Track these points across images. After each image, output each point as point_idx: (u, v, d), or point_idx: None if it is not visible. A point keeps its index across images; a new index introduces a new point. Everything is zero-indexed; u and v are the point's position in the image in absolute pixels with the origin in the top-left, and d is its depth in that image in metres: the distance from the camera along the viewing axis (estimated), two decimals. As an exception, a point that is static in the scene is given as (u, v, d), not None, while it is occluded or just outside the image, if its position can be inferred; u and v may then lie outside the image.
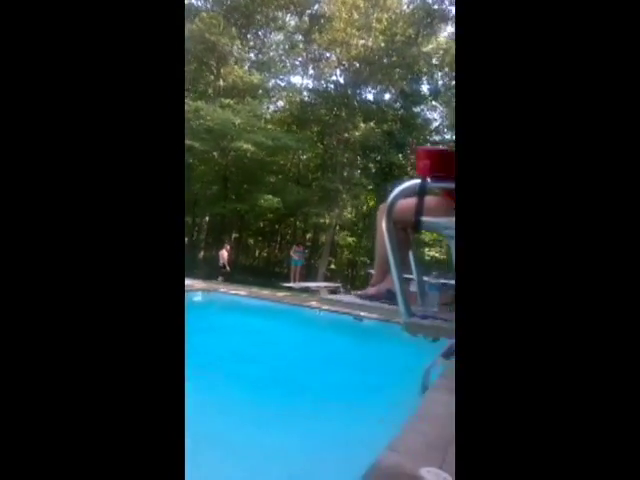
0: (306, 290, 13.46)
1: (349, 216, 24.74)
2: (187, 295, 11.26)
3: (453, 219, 1.89)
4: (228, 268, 13.23)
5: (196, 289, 12.11)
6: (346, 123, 19.78)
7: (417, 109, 22.52)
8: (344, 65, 21.07)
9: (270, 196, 17.50)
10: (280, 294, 12.64)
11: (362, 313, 10.21)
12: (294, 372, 5.63)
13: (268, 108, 22.18)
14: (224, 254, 13.24)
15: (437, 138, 21.82)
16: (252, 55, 21.04)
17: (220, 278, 13.08)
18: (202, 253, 21.41)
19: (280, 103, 23.17)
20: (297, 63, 22.33)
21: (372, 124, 20.63)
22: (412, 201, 2.13)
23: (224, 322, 8.86)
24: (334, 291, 13.16)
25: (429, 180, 1.69)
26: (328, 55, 21.11)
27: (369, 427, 3.59)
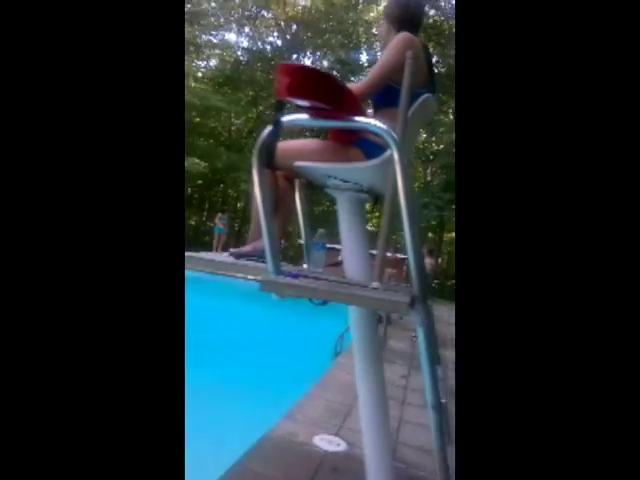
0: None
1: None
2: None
3: (339, 166, 1.65)
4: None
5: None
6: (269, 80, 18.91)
7: (355, 79, 22.21)
8: (281, 25, 20.05)
9: (197, 160, 16.42)
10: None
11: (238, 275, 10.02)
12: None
13: (197, 65, 20.51)
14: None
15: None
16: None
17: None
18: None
19: (212, 62, 21.55)
20: (231, 19, 20.76)
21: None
22: (296, 143, 1.84)
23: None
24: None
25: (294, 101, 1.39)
26: (265, 13, 19.90)
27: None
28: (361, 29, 20.59)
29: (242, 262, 1.85)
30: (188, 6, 18.97)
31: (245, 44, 21.34)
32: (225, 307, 7.84)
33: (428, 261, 11.59)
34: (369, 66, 21.53)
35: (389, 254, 12.50)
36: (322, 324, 5.42)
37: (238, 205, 25.18)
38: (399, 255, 11.84)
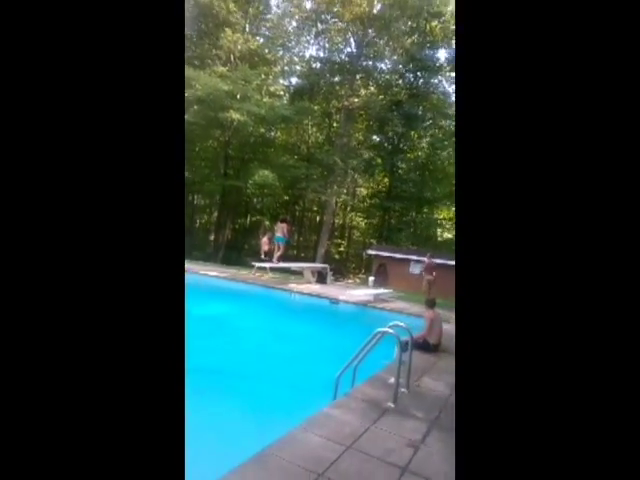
0: (287, 271, 12.43)
1: (364, 192, 23.42)
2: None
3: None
4: (264, 256, 11.94)
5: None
6: (345, 89, 18.21)
7: (434, 80, 20.73)
8: (350, 29, 19.46)
9: (266, 172, 16.38)
10: (258, 275, 11.65)
11: (341, 297, 9.16)
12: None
13: (267, 77, 20.76)
14: (265, 242, 12.06)
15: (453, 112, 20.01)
16: (250, 21, 19.59)
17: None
18: (222, 237, 20.35)
19: (277, 69, 21.63)
20: (295, 24, 20.67)
21: (372, 89, 19.06)
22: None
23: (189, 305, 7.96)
24: (321, 273, 12.07)
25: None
26: (327, 17, 19.47)
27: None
28: (438, 25, 19.18)
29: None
30: (254, 20, 19.35)
31: (313, 52, 21.14)
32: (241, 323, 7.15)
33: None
34: (448, 66, 19.97)
35: (426, 259, 11.33)
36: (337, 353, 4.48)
37: (308, 215, 24.97)
38: (435, 260, 10.92)
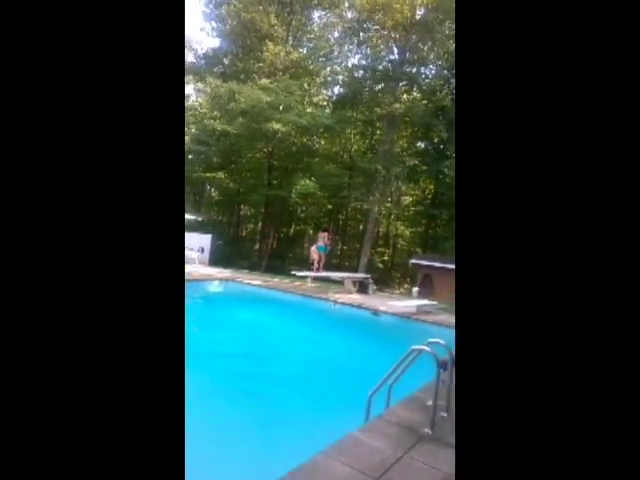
0: (327, 280, 12.26)
1: (409, 200, 22.90)
2: (204, 284, 10.73)
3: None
4: (317, 265, 12.02)
5: (215, 278, 11.55)
6: (388, 97, 17.90)
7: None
8: (393, 36, 19.21)
9: (307, 181, 16.44)
10: (298, 284, 11.60)
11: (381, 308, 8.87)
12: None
13: (310, 87, 20.92)
14: (314, 251, 11.98)
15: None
16: (292, 33, 19.90)
17: (309, 278, 11.70)
18: (265, 246, 20.68)
19: (320, 80, 21.71)
20: (337, 34, 20.70)
21: (416, 94, 18.60)
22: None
23: (229, 313, 8.08)
24: (363, 283, 11.81)
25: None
26: (371, 26, 19.33)
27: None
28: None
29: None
30: (296, 33, 19.60)
31: (355, 61, 21.05)
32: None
33: None
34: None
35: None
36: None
37: (351, 223, 24.73)
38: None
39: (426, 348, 3.03)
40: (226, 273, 12.79)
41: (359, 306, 9.17)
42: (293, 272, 11.48)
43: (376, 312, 8.72)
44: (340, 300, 9.61)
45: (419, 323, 7.91)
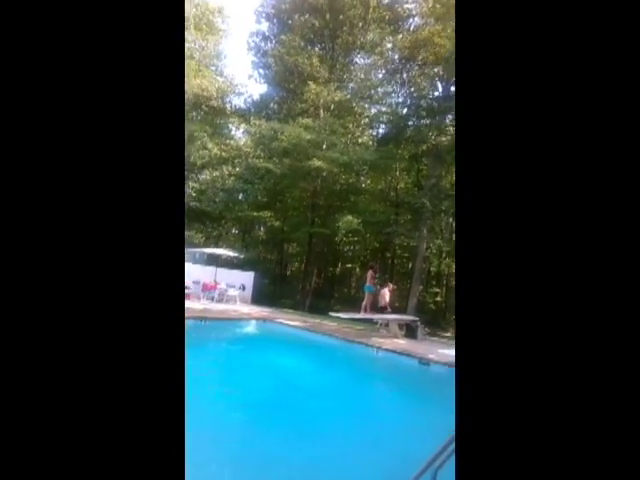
0: (370, 321, 11.32)
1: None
2: (238, 323, 10.28)
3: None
4: (389, 309, 11.12)
5: (251, 317, 11.08)
6: (433, 130, 17.25)
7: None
8: (437, 72, 18.88)
9: (350, 217, 15.93)
10: (339, 326, 10.79)
11: (431, 355, 7.83)
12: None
13: (355, 127, 20.86)
14: (385, 294, 11.31)
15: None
16: (335, 75, 20.17)
17: (380, 324, 11.00)
18: (309, 285, 20.19)
19: (364, 121, 21.63)
20: (380, 75, 20.72)
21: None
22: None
23: (254, 357, 7.48)
24: (410, 327, 10.77)
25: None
26: (413, 65, 19.16)
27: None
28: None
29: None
30: (338, 74, 19.85)
31: (399, 99, 20.81)
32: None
33: None
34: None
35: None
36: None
37: (395, 261, 23.63)
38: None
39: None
40: (264, 312, 12.30)
41: (405, 353, 8.19)
42: (331, 313, 10.72)
43: (425, 361, 7.70)
44: (384, 346, 8.69)
45: (475, 375, 6.82)
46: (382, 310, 11.25)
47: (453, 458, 2.45)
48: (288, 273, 25.91)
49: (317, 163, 15.00)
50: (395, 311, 11.99)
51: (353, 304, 18.75)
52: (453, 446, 2.44)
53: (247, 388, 5.44)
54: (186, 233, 23.77)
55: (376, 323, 11.37)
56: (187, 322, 8.85)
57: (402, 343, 9.37)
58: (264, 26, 21.54)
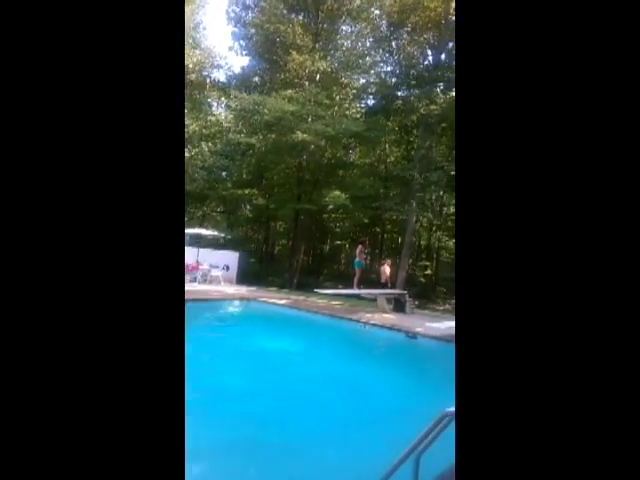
0: (357, 297, 11.03)
1: (452, 210, 21.34)
2: (221, 304, 9.91)
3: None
4: (389, 285, 11.35)
5: (235, 297, 10.71)
6: (423, 100, 16.61)
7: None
8: (428, 39, 18.10)
9: (337, 192, 15.46)
10: (328, 302, 10.48)
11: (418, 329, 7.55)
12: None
13: (339, 99, 20.06)
14: (386, 269, 11.38)
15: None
16: (320, 45, 19.24)
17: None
18: (296, 263, 19.65)
19: (351, 92, 20.80)
20: (368, 44, 19.86)
21: (453, 94, 17.18)
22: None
23: (240, 337, 7.14)
24: (399, 301, 10.50)
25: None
26: (403, 32, 18.34)
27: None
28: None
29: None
30: (323, 43, 18.98)
31: (388, 69, 20.04)
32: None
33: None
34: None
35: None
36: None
37: (385, 236, 23.33)
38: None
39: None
40: (249, 292, 11.93)
41: (393, 327, 7.91)
42: (317, 290, 10.39)
43: (412, 334, 7.43)
44: (371, 320, 8.40)
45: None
46: (384, 286, 11.19)
47: (437, 441, 2.21)
48: (275, 251, 25.50)
49: (302, 136, 14.35)
50: (378, 284, 11.78)
51: (343, 280, 18.48)
52: (438, 429, 2.15)
53: (230, 370, 5.13)
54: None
55: (364, 298, 11.12)
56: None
57: (390, 317, 9.10)
58: (244, -7, 20.45)
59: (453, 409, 2.01)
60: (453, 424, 2.05)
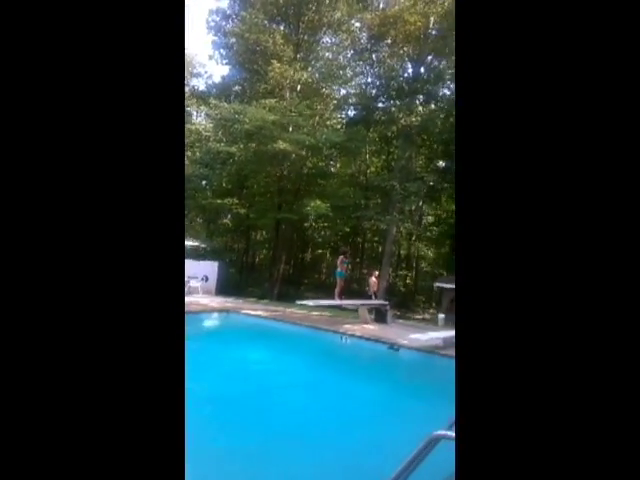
0: (339, 308, 10.92)
1: (430, 220, 21.55)
2: (198, 316, 9.63)
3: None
4: (376, 296, 11.44)
5: (214, 309, 10.44)
6: (404, 111, 16.79)
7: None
8: (407, 52, 18.36)
9: (318, 202, 15.39)
10: (309, 313, 10.32)
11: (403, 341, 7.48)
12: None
13: (320, 109, 20.11)
14: (373, 282, 11.44)
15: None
16: (301, 56, 19.31)
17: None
18: (277, 273, 19.34)
19: (332, 102, 20.94)
20: (348, 55, 20.05)
21: (433, 106, 17.47)
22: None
23: (218, 352, 6.90)
24: (380, 311, 10.43)
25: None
26: (383, 46, 18.59)
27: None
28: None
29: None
30: (304, 54, 19.06)
31: (369, 80, 20.26)
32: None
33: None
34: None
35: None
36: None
37: (366, 245, 23.37)
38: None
39: (451, 434, 1.76)
40: (229, 303, 11.67)
41: (374, 339, 7.81)
42: (298, 301, 10.23)
43: (394, 346, 7.34)
44: (351, 332, 8.28)
45: (447, 359, 6.46)
46: (372, 297, 11.20)
47: (426, 460, 2.10)
48: (256, 261, 25.21)
49: (282, 145, 14.27)
50: (365, 295, 11.71)
51: (324, 290, 18.32)
52: (426, 452, 2.05)
53: (208, 384, 4.91)
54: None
55: (346, 309, 11.02)
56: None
57: (372, 328, 9.01)
58: (224, 3, 20.43)
59: (441, 432, 1.91)
60: (441, 447, 1.96)
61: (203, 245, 16.68)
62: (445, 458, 2.01)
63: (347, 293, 11.68)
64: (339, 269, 10.79)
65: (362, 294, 11.47)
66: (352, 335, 8.08)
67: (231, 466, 2.98)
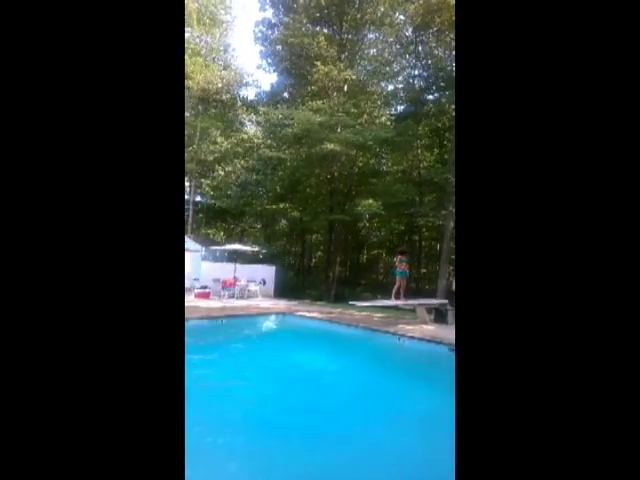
0: (395, 308, 10.63)
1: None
2: (256, 319, 9.88)
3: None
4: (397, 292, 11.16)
5: (270, 311, 10.65)
6: (453, 100, 16.05)
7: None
8: (445, 33, 17.56)
9: (370, 201, 15.18)
10: (366, 314, 10.17)
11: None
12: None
13: (368, 107, 19.82)
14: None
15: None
16: (346, 56, 19.19)
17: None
18: (332, 274, 19.22)
19: (380, 100, 20.56)
20: (394, 50, 19.56)
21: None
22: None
23: (276, 352, 7.04)
24: (440, 311, 10.02)
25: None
26: (429, 37, 17.93)
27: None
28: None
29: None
30: (349, 54, 18.89)
31: (416, 72, 19.65)
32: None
33: None
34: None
35: None
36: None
37: (423, 243, 22.62)
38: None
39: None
40: (285, 305, 11.85)
41: (433, 340, 7.50)
42: (351, 302, 10.12)
43: (454, 348, 7.00)
44: (410, 334, 8.03)
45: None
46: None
47: None
48: (312, 264, 25.43)
49: (330, 146, 14.26)
50: (424, 294, 11.28)
51: (382, 290, 18.02)
52: None
53: (262, 385, 5.02)
54: (207, 231, 23.70)
55: (403, 309, 10.72)
56: (203, 322, 8.51)
57: (431, 329, 8.68)
58: (269, 13, 20.90)
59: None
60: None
61: (259, 249, 17.11)
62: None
63: (405, 293, 11.29)
64: (398, 268, 10.49)
65: (421, 293, 10.98)
66: (410, 336, 7.83)
67: (296, 468, 2.99)
